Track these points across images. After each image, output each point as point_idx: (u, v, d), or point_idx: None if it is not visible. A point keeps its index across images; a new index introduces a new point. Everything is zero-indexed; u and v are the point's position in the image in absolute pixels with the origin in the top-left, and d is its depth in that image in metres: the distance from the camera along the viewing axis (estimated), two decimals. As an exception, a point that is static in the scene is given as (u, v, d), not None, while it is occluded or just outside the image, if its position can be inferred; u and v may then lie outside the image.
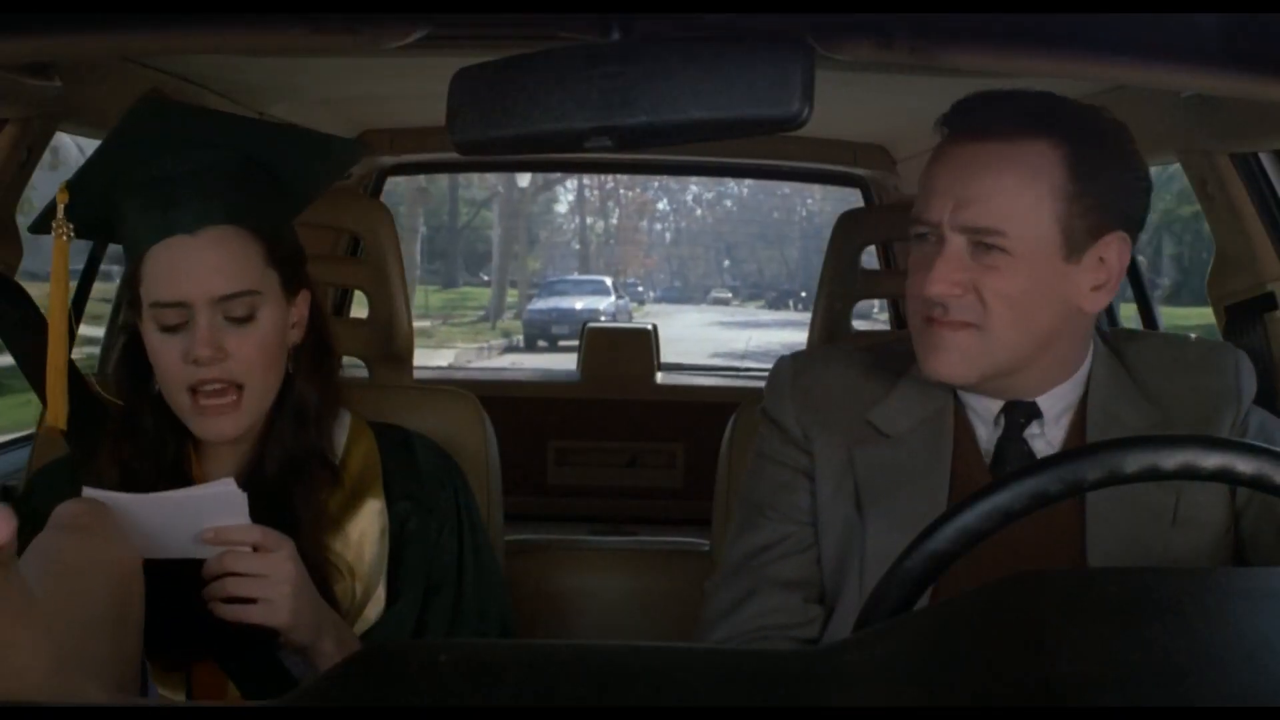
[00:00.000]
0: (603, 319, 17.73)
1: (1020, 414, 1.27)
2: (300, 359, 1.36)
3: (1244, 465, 0.84)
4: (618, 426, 3.27)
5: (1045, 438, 1.28)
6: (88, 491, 1.17)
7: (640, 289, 30.34)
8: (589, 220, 32.14)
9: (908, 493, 1.26)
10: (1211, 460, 0.85)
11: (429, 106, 1.73)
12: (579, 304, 19.53)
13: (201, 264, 1.27)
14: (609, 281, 22.23)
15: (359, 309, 3.00)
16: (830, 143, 2.82)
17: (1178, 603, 0.71)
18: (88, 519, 1.10)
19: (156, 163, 1.28)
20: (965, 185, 1.20)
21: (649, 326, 3.55)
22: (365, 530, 1.35)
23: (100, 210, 1.32)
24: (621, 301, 21.72)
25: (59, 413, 1.32)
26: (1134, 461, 0.85)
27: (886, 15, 0.95)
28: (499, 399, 2.13)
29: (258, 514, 1.31)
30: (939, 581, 0.88)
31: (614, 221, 32.46)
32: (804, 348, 1.72)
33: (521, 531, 2.28)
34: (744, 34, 0.94)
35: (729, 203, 33.83)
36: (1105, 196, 1.21)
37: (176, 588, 1.15)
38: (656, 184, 27.09)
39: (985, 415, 1.29)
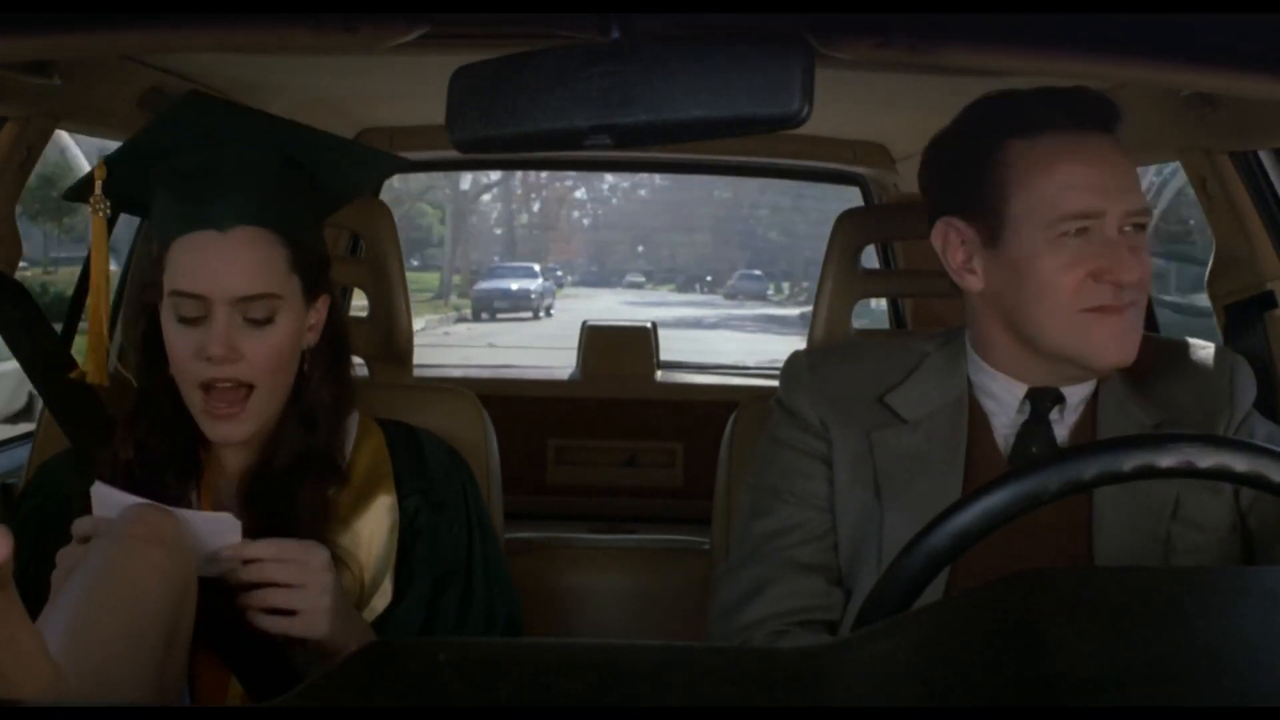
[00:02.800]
0: (532, 296, 24.19)
1: (1048, 399, 1.29)
2: (315, 362, 1.36)
3: (1277, 474, 0.86)
4: (617, 425, 3.25)
5: (1065, 423, 1.30)
6: (97, 487, 1.17)
7: (560, 274, 33.36)
8: (513, 208, 33.80)
9: (925, 479, 1.27)
10: (1243, 464, 0.86)
11: (428, 105, 1.72)
12: (514, 285, 24.66)
13: (227, 262, 1.26)
14: (537, 267, 27.07)
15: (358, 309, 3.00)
16: (829, 141, 2.82)
17: (1178, 603, 0.71)
18: (149, 530, 1.11)
19: (197, 154, 1.29)
20: (1118, 175, 1.24)
21: (648, 325, 3.53)
22: (375, 528, 1.36)
23: (136, 189, 1.32)
24: (548, 284, 26.75)
25: (100, 371, 1.35)
26: (1169, 456, 0.87)
27: (886, 15, 0.95)
28: (498, 397, 2.13)
29: (261, 506, 1.31)
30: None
31: (536, 209, 34.76)
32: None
33: (521, 530, 2.28)
34: (744, 33, 0.94)
35: (644, 192, 35.64)
36: None
37: None
38: (574, 175, 28.60)
39: (1007, 400, 1.30)
